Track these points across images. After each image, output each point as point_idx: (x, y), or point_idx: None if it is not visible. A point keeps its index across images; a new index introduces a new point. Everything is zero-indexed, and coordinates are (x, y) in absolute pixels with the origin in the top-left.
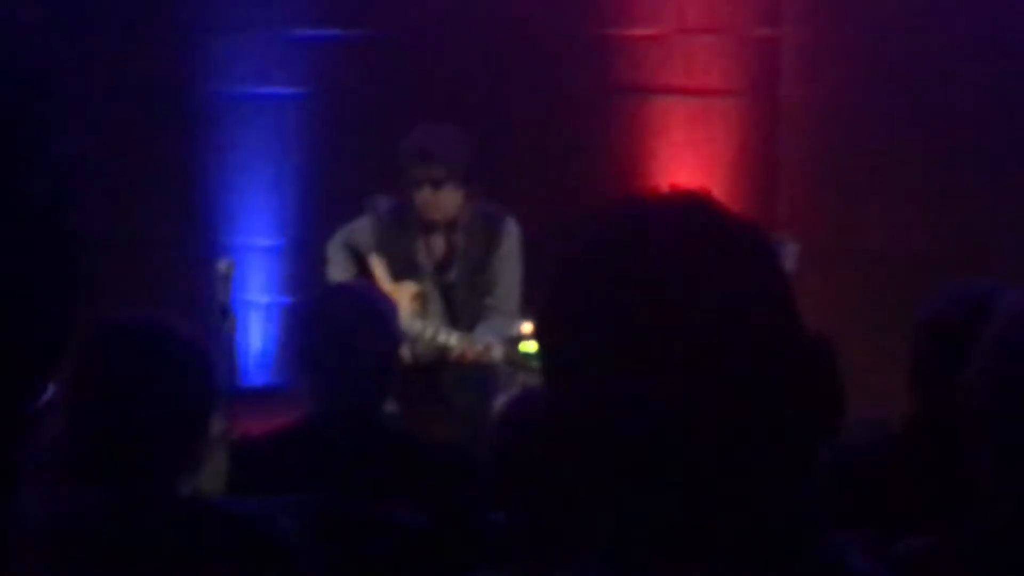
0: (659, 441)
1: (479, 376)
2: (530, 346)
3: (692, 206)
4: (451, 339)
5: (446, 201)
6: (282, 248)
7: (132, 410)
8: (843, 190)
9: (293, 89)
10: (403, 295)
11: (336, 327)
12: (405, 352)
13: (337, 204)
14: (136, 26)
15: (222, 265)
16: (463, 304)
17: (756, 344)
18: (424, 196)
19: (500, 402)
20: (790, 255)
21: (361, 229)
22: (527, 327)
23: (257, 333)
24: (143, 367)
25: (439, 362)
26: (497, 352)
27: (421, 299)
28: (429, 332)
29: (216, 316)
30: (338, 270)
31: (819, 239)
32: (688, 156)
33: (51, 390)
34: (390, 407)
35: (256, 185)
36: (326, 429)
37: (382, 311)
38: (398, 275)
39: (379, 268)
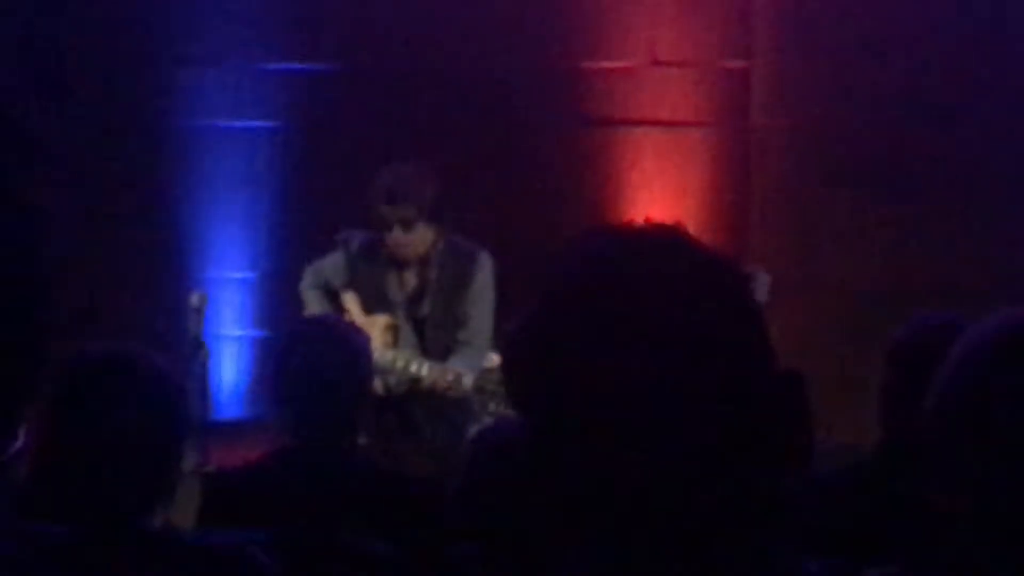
0: (631, 472)
1: (452, 409)
2: (498, 376)
3: (665, 238)
4: (422, 369)
5: (417, 240)
6: (255, 281)
7: (105, 443)
8: (815, 221)
9: (266, 122)
10: (375, 326)
11: (308, 360)
12: (377, 384)
13: (310, 237)
14: (107, 59)
15: (194, 298)
16: (435, 337)
17: (727, 375)
18: (395, 237)
19: (472, 433)
20: (762, 286)
21: (331, 265)
22: (497, 359)
23: (230, 366)
24: (116, 400)
25: (411, 394)
26: (467, 380)
27: (393, 331)
28: (401, 363)
29: (189, 350)
30: (317, 309)
31: (791, 270)
32: (659, 188)
33: (21, 438)
34: (363, 439)
35: (229, 218)
36: (298, 462)
37: (354, 344)
38: (370, 309)
39: (352, 302)
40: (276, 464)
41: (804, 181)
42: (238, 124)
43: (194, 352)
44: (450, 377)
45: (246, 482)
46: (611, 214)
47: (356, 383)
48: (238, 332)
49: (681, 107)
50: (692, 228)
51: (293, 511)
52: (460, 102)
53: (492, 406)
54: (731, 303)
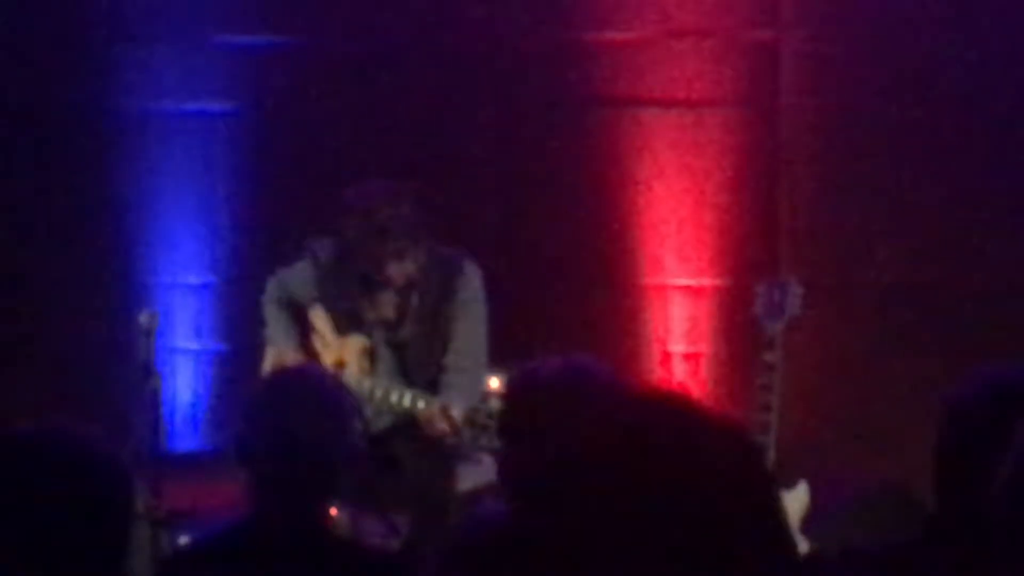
0: None
1: (438, 445)
2: (495, 404)
3: (669, 412)
4: (417, 403)
5: (409, 267)
6: (213, 286)
7: (34, 540)
8: (850, 213)
9: (222, 104)
10: (350, 350)
11: (282, 426)
12: None
13: (275, 235)
14: (39, 34)
15: (144, 317)
16: (418, 362)
17: (733, 559)
18: (388, 272)
19: (463, 481)
20: (795, 298)
21: (298, 277)
22: (494, 382)
23: (186, 386)
24: (48, 489)
25: (393, 428)
26: (456, 413)
27: (370, 355)
28: (379, 392)
29: (138, 376)
30: (278, 330)
31: (826, 269)
32: (674, 177)
33: None
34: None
35: (182, 215)
36: (262, 537)
37: (335, 407)
38: (342, 330)
39: (320, 322)
40: (237, 539)
41: (840, 168)
42: (190, 107)
43: (144, 379)
44: (455, 413)
45: (204, 562)
46: (620, 206)
47: (335, 452)
48: (195, 345)
49: (699, 84)
50: (714, 223)
51: None
52: (447, 80)
53: (484, 440)
54: (739, 483)
